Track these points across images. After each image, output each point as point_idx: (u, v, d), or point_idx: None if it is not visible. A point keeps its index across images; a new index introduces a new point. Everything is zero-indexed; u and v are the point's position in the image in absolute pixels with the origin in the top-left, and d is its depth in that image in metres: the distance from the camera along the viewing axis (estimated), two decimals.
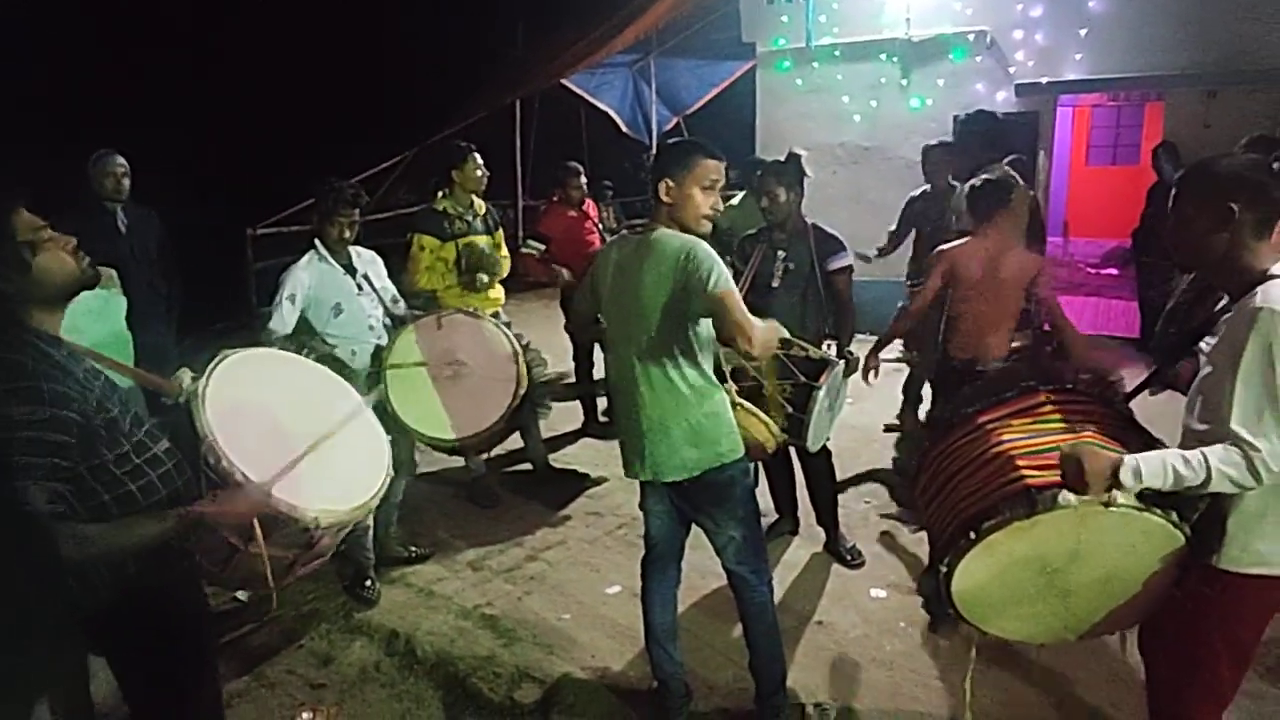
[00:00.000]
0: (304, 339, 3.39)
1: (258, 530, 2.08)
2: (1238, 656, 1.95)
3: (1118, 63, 7.47)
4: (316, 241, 3.57)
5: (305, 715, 2.89)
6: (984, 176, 3.69)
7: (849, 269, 3.66)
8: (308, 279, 3.50)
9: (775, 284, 3.61)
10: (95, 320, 3.13)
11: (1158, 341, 4.44)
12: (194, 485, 2.03)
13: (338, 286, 3.56)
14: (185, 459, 2.04)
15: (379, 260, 3.80)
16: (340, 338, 3.51)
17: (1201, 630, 1.94)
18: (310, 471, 2.45)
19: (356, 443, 2.92)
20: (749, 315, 2.31)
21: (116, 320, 3.39)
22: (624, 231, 2.65)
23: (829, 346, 3.61)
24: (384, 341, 3.59)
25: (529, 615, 3.51)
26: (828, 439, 3.63)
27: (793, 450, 3.62)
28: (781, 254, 3.62)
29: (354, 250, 3.66)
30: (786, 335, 2.72)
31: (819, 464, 3.82)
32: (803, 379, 3.15)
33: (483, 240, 4.31)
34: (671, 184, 2.43)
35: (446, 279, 4.24)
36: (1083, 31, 7.48)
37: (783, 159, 3.63)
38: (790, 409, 3.13)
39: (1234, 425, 1.74)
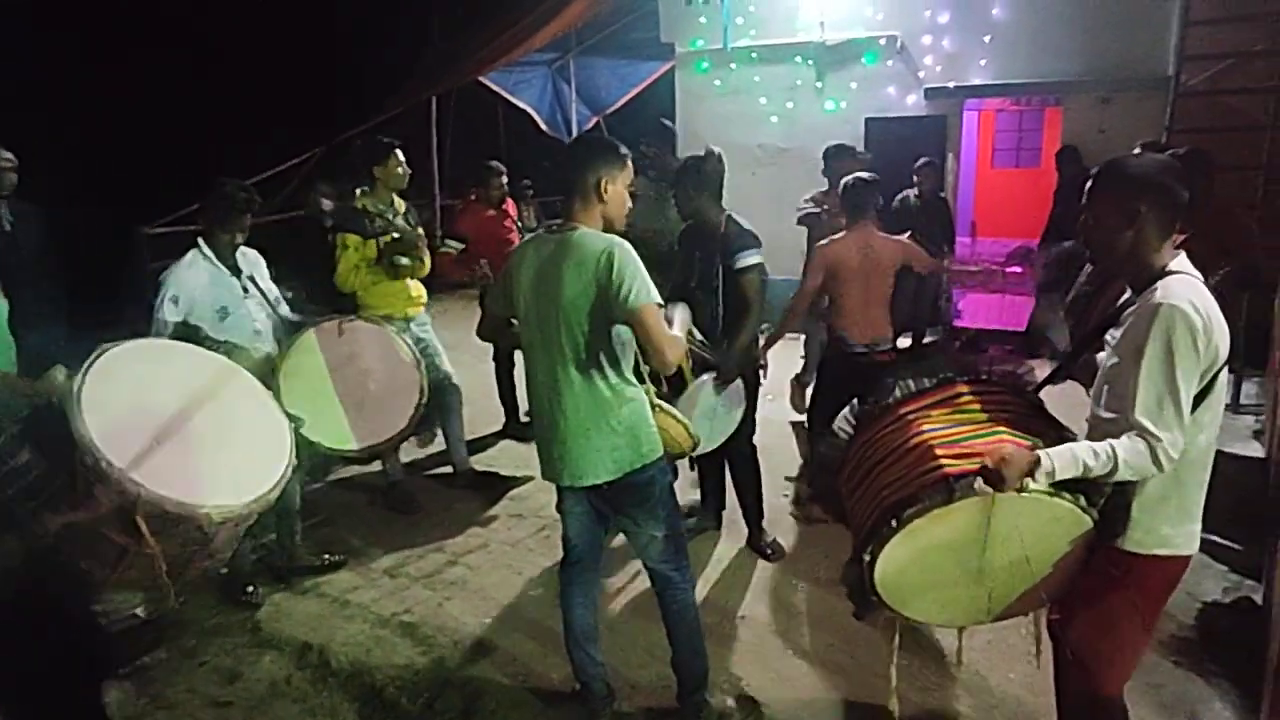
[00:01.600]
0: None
1: (144, 528, 1.95)
2: (1141, 632, 2.04)
3: (1020, 69, 7.79)
4: (201, 241, 3.39)
5: None
6: (855, 175, 4.05)
7: (758, 267, 3.53)
8: (192, 280, 3.31)
9: (694, 282, 3.59)
10: None
11: (1064, 333, 4.66)
12: (64, 491, 1.89)
13: (224, 289, 3.38)
14: (56, 465, 1.90)
15: (262, 261, 3.63)
16: (228, 341, 3.29)
17: (1108, 608, 2.01)
18: (204, 464, 2.35)
19: (255, 433, 2.80)
20: (665, 329, 2.31)
21: None
22: (539, 230, 2.54)
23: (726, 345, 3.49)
24: (271, 347, 3.42)
25: (449, 621, 3.41)
26: (748, 436, 3.65)
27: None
28: (698, 253, 3.61)
29: (239, 251, 3.49)
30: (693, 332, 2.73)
31: (745, 461, 3.83)
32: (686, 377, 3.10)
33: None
34: (608, 182, 2.38)
35: (371, 277, 4.10)
36: (987, 38, 7.77)
37: (694, 158, 3.60)
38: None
39: (1137, 416, 1.81)
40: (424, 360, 4.24)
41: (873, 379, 2.44)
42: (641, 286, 2.28)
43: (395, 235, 4.12)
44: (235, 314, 3.38)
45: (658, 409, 2.63)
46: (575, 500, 2.61)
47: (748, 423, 3.67)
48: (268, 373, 3.21)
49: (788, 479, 4.64)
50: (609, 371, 2.41)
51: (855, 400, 2.50)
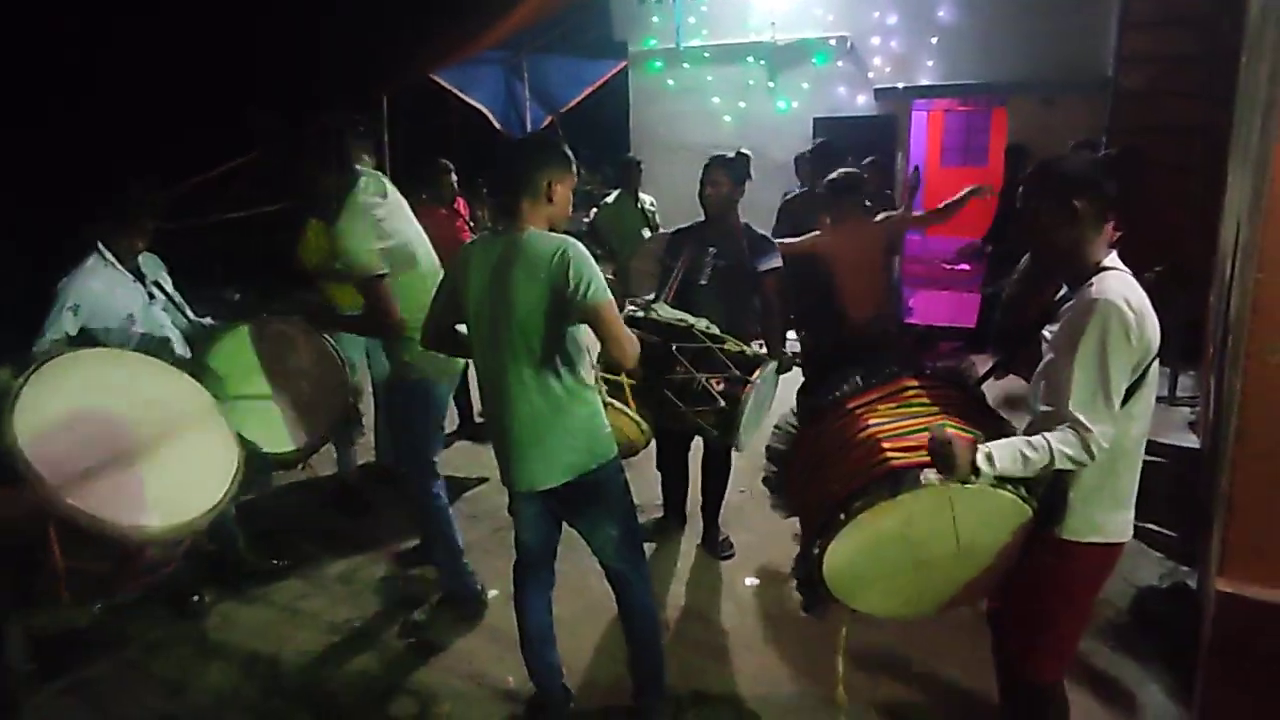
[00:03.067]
0: None
1: (53, 540, 1.90)
2: (1078, 617, 2.11)
3: (966, 70, 7.96)
4: (100, 246, 3.21)
5: None
6: (842, 170, 4.18)
7: (778, 270, 3.65)
8: (95, 288, 3.13)
9: (704, 281, 3.58)
10: None
11: (996, 330, 4.81)
12: None
13: (129, 296, 3.23)
14: None
15: (163, 266, 3.50)
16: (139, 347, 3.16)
17: (1046, 596, 2.08)
18: (133, 481, 2.29)
19: (198, 455, 2.73)
20: (623, 325, 2.32)
21: None
22: (484, 232, 2.53)
23: (760, 346, 3.57)
24: (183, 352, 3.31)
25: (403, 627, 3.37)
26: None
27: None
28: (713, 250, 3.60)
29: (140, 256, 3.34)
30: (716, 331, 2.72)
31: (721, 458, 3.84)
32: (738, 374, 3.08)
33: None
34: (556, 183, 2.37)
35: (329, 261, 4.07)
36: (934, 40, 7.92)
37: (731, 155, 3.64)
38: (724, 404, 3.05)
39: (1071, 408, 1.87)
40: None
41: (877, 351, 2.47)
42: (599, 284, 2.28)
43: None
44: (143, 321, 3.24)
45: (610, 407, 2.64)
46: (529, 502, 2.59)
47: None
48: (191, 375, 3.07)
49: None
50: (564, 373, 2.39)
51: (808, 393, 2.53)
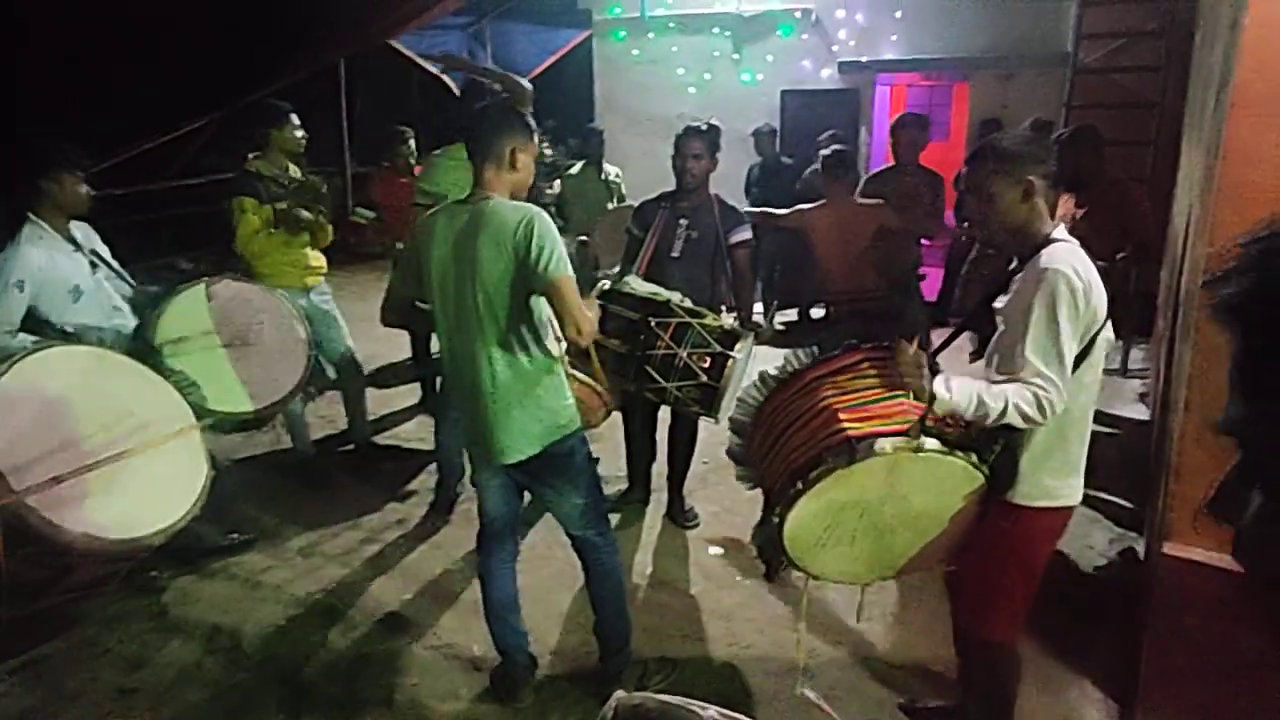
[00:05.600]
0: (44, 334, 2.94)
1: None
2: (1030, 579, 2.17)
3: (929, 45, 8.00)
4: (32, 216, 3.04)
5: None
6: (834, 148, 4.31)
7: (749, 242, 3.66)
8: (38, 259, 2.96)
9: (676, 253, 3.56)
10: None
11: (959, 302, 4.90)
12: None
13: (72, 266, 3.08)
14: None
15: (95, 234, 3.34)
16: (84, 325, 3.04)
17: (999, 559, 2.14)
18: (92, 488, 2.24)
19: (167, 466, 2.66)
20: (580, 301, 2.30)
21: None
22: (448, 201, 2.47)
23: (732, 318, 3.55)
24: (132, 323, 3.19)
25: (367, 599, 3.37)
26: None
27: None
28: (684, 222, 3.57)
29: (71, 225, 3.18)
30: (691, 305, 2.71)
31: (688, 430, 3.87)
32: (719, 349, 3.05)
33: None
34: (519, 151, 2.35)
35: (268, 242, 3.94)
36: (898, 14, 7.94)
37: (703, 126, 3.60)
38: (706, 379, 3.03)
39: (1027, 359, 1.91)
40: (326, 334, 4.16)
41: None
42: (560, 257, 2.27)
43: (289, 204, 3.96)
44: (89, 292, 3.10)
45: (573, 379, 2.63)
46: (493, 473, 2.59)
47: None
48: (142, 350, 2.99)
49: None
50: (530, 344, 2.38)
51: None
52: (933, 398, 1.93)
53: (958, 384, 1.94)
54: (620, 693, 1.37)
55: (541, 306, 2.39)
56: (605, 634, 2.76)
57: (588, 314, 2.33)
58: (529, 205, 2.33)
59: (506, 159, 2.34)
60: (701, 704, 1.30)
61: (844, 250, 4.14)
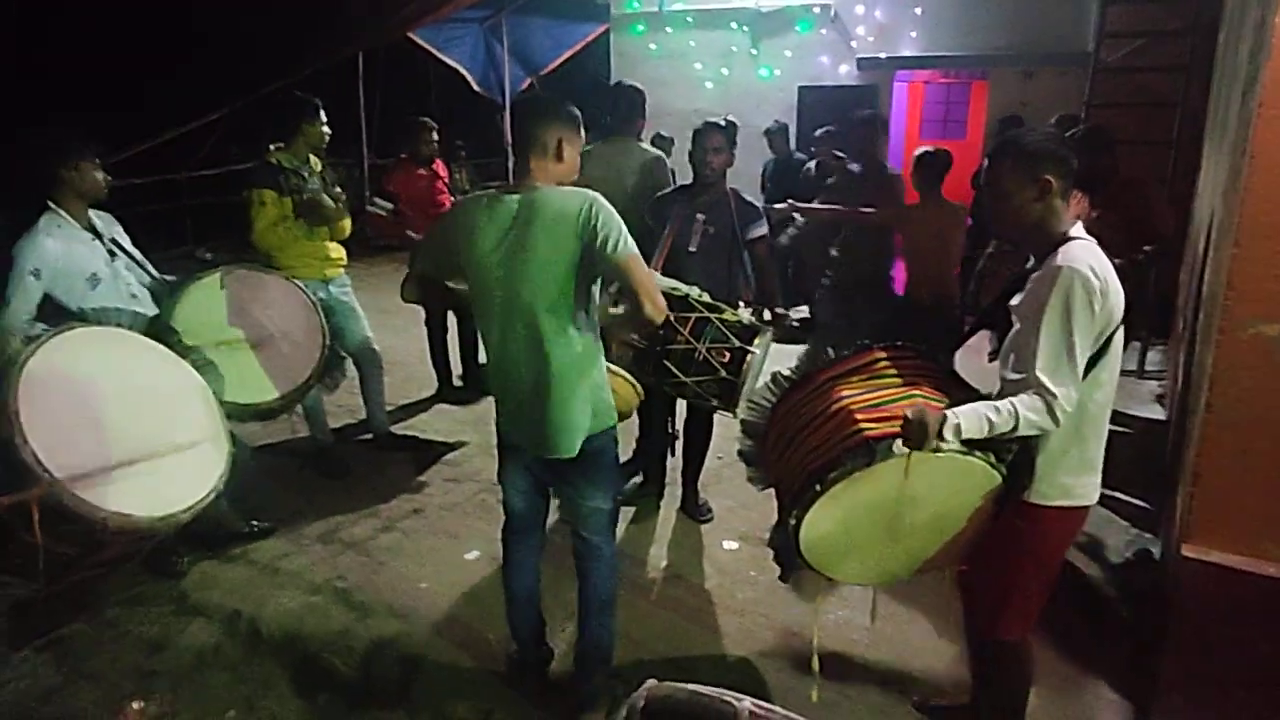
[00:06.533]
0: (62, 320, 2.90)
1: (34, 514, 1.89)
2: (1046, 578, 2.17)
3: (949, 42, 7.95)
4: (52, 205, 3.06)
5: (135, 705, 2.68)
6: (924, 150, 4.43)
7: (767, 237, 3.67)
8: (54, 248, 3.00)
9: (693, 248, 3.56)
10: None
11: (973, 299, 4.91)
12: None
13: (89, 255, 3.11)
14: None
15: (117, 222, 3.37)
16: (101, 312, 3.02)
17: (1014, 558, 2.14)
18: (126, 467, 2.28)
19: (190, 446, 2.71)
20: (652, 279, 2.26)
21: None
22: (490, 191, 2.39)
23: (751, 312, 3.54)
24: (150, 310, 3.21)
25: (384, 587, 3.40)
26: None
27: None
28: (701, 217, 3.57)
29: (91, 213, 3.21)
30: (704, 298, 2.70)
31: (704, 424, 3.87)
32: (738, 343, 3.07)
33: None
34: (566, 143, 2.31)
35: (287, 234, 3.96)
36: (918, 10, 7.90)
37: (721, 122, 3.60)
38: (725, 374, 3.05)
39: (1037, 373, 1.92)
40: (346, 326, 4.20)
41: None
42: (627, 237, 2.22)
43: (309, 195, 3.98)
44: (107, 280, 3.12)
45: (611, 372, 2.61)
46: (520, 473, 2.55)
47: None
48: (160, 334, 3.00)
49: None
50: (586, 334, 2.33)
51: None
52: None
53: (965, 416, 1.94)
54: (651, 681, 1.35)
55: (596, 295, 2.35)
56: (588, 647, 2.63)
57: (658, 291, 2.26)
58: (584, 190, 2.28)
59: (552, 149, 2.29)
60: (736, 695, 1.27)
61: (938, 250, 4.32)
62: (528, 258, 2.24)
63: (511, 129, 2.37)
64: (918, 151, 4.39)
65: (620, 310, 2.55)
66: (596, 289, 2.35)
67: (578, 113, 2.37)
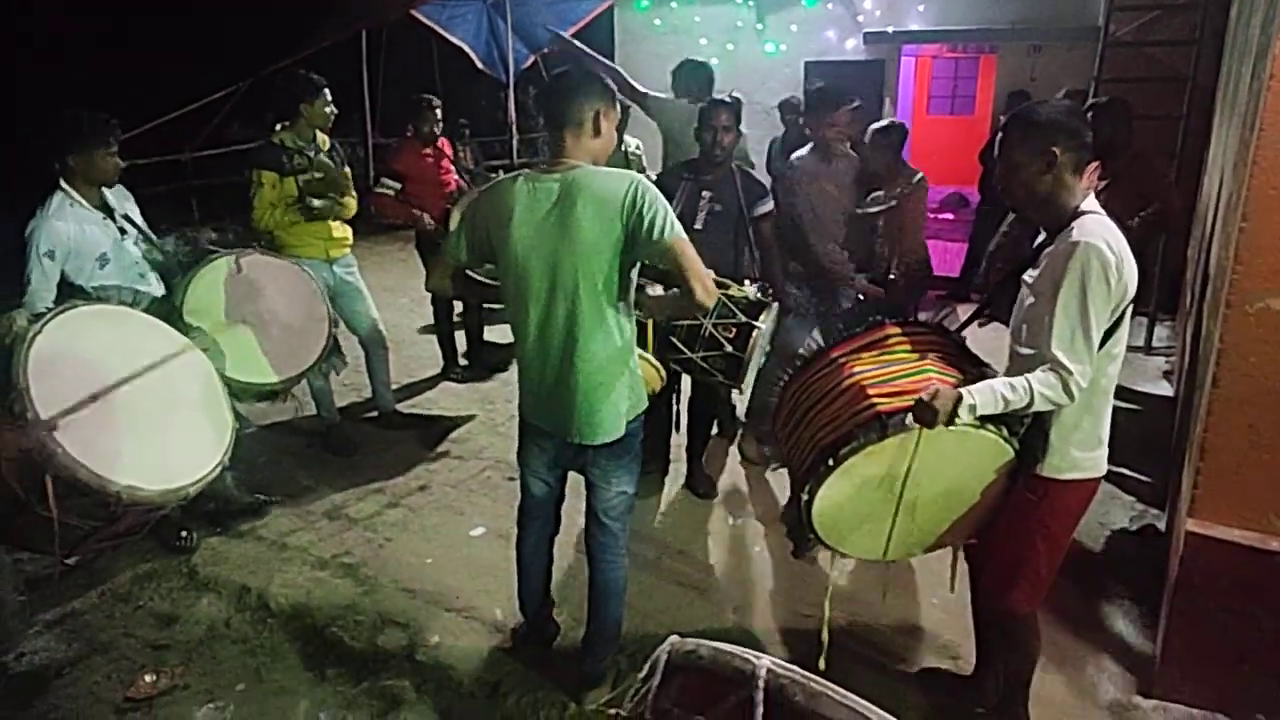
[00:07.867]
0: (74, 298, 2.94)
1: (49, 489, 1.92)
2: (1055, 552, 2.17)
3: (956, 16, 7.85)
4: (64, 184, 3.06)
5: (148, 678, 2.71)
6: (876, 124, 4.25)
7: (771, 213, 3.65)
8: (66, 230, 3.00)
9: (699, 225, 3.52)
10: None
11: (983, 278, 4.87)
12: None
13: (100, 235, 3.11)
14: None
15: (131, 197, 3.37)
16: (111, 290, 3.06)
17: (1026, 532, 2.14)
18: (132, 441, 2.31)
19: (195, 421, 2.77)
20: (700, 262, 2.18)
21: None
22: (530, 170, 2.28)
23: (757, 289, 3.48)
24: (159, 289, 3.24)
25: (390, 562, 3.42)
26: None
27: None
28: (707, 194, 3.55)
29: (104, 190, 3.21)
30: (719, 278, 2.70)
31: (707, 399, 3.87)
32: (744, 319, 3.07)
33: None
34: (603, 117, 2.23)
35: (288, 216, 3.96)
36: None
37: (728, 99, 3.58)
38: (731, 349, 3.06)
39: (1052, 349, 1.91)
40: (351, 307, 4.21)
41: None
42: (674, 219, 2.17)
43: (317, 175, 3.98)
44: (116, 259, 3.13)
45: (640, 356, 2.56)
46: (541, 455, 2.51)
47: None
48: (167, 314, 3.04)
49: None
50: (625, 318, 2.29)
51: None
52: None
53: (980, 395, 1.93)
54: (674, 638, 1.36)
55: (635, 279, 2.31)
56: (597, 632, 2.62)
57: (707, 272, 2.20)
58: (629, 172, 2.23)
59: (589, 125, 2.21)
60: (756, 653, 1.27)
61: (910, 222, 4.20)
62: (571, 241, 2.16)
63: (543, 106, 2.28)
64: (873, 127, 4.24)
65: (655, 292, 2.51)
66: (635, 273, 2.30)
67: (613, 85, 2.29)
